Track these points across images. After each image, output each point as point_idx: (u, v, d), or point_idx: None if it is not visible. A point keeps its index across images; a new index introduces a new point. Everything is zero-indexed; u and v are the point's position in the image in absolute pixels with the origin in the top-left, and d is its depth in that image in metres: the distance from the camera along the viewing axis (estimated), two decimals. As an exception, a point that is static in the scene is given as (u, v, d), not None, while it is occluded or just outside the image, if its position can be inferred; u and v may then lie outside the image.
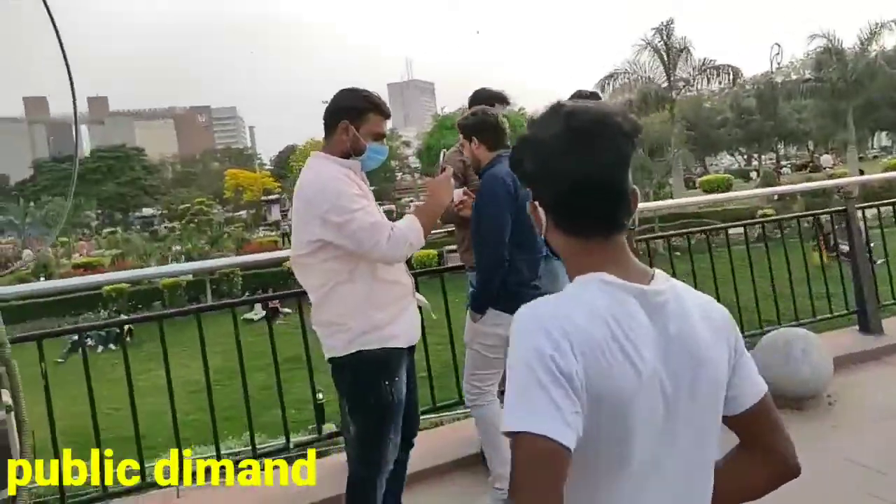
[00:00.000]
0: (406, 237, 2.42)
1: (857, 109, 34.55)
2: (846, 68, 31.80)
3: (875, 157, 52.58)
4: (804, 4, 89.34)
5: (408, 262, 2.66)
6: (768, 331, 4.37)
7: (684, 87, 31.48)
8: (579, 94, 3.38)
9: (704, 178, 35.02)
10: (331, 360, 2.51)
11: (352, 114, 2.49)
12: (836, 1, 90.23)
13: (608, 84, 31.80)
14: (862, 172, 27.67)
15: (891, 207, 6.30)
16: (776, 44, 49.42)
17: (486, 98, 3.65)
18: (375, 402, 2.46)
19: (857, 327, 5.00)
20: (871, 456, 3.30)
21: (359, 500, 2.54)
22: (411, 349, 2.63)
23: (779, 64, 41.92)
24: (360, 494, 2.54)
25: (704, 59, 31.09)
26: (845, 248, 8.79)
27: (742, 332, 1.22)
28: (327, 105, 2.58)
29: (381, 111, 2.57)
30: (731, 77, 30.76)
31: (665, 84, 31.30)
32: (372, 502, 2.51)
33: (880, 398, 4.01)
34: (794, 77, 43.57)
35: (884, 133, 58.85)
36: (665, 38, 30.58)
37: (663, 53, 30.87)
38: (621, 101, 31.90)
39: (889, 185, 18.46)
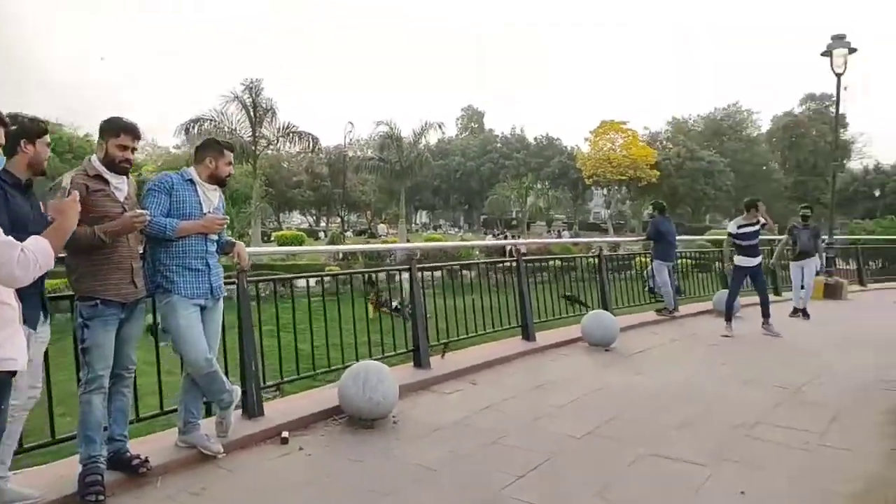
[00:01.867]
0: (36, 258, 2.36)
1: (407, 190, 41.29)
2: (402, 154, 38.05)
3: (416, 230, 62.93)
4: (369, 97, 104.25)
5: None
6: (349, 365, 5.18)
7: (267, 145, 33.17)
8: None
9: (280, 232, 37.02)
10: None
11: None
12: (395, 98, 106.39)
13: (192, 127, 31.54)
14: (409, 241, 33.11)
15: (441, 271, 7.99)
16: (350, 122, 56.00)
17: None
18: None
19: (411, 363, 6.22)
20: (427, 459, 4.26)
21: None
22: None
23: (350, 140, 47.63)
24: None
25: (288, 123, 33.40)
26: (395, 303, 10.46)
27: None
28: None
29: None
30: (311, 144, 33.72)
31: (250, 139, 32.44)
32: None
33: (429, 417, 5.13)
34: (360, 154, 49.91)
35: (423, 211, 71.19)
36: (253, 95, 31.93)
37: (250, 110, 32.10)
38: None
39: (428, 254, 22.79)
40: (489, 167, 59.78)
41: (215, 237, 4.08)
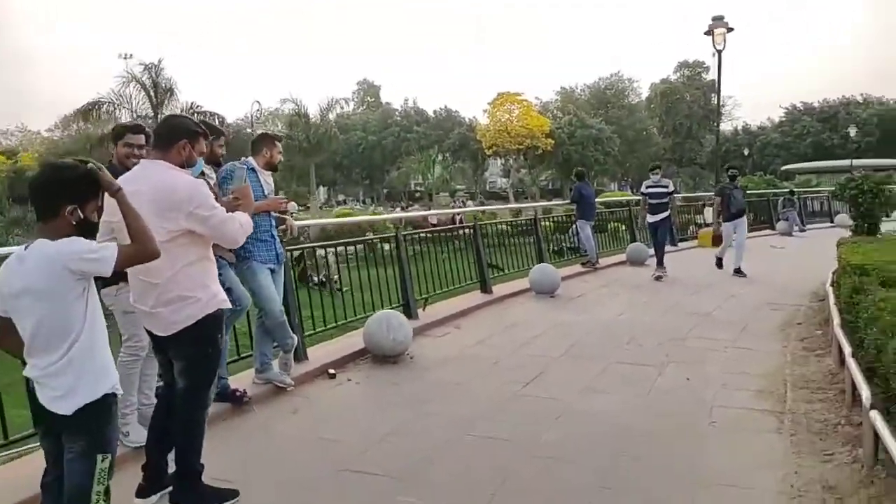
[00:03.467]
0: (244, 228, 3.30)
1: (317, 167, 41.48)
2: (311, 132, 38.19)
3: (320, 206, 62.80)
4: (272, 71, 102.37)
5: None
6: (369, 314, 6.25)
7: (171, 126, 32.31)
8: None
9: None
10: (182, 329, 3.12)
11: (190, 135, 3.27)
12: (300, 76, 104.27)
13: (92, 110, 30.42)
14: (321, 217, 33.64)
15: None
16: (257, 101, 54.88)
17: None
18: (213, 351, 3.26)
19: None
20: (450, 378, 5.45)
21: (200, 433, 3.27)
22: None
23: (258, 118, 46.78)
24: (200, 429, 3.27)
25: (192, 104, 32.76)
26: (318, 277, 11.20)
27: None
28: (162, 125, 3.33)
29: (207, 134, 3.43)
30: (219, 123, 33.18)
31: (152, 120, 31.60)
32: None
33: (435, 353, 6.30)
34: (264, 128, 49.21)
35: (322, 187, 70.88)
36: (153, 76, 31.07)
37: (150, 91, 31.25)
38: (107, 129, 30.85)
39: (341, 230, 23.41)
40: (391, 141, 60.50)
41: (276, 214, 5.01)
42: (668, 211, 10.78)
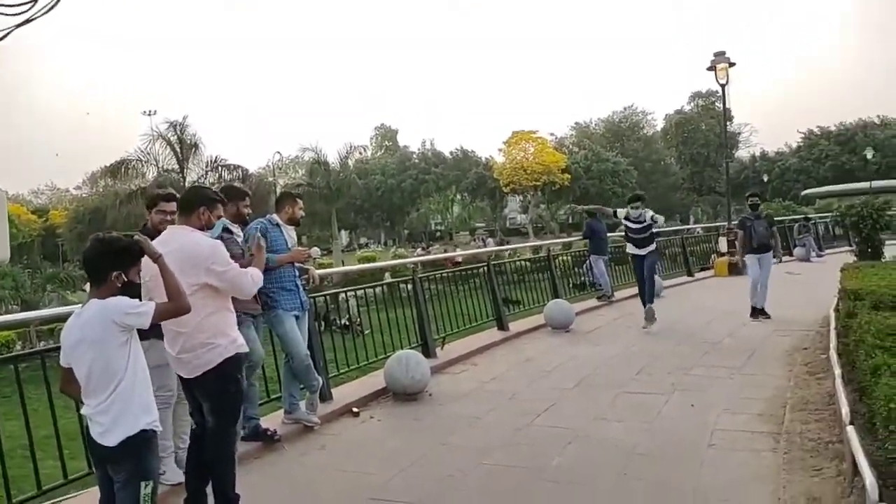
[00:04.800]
0: (255, 280, 3.75)
1: (338, 211, 42.39)
2: (330, 178, 39.21)
3: (343, 250, 63.73)
4: (291, 120, 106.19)
5: None
6: (389, 354, 6.63)
7: (196, 180, 33.53)
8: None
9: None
10: (205, 372, 3.56)
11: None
12: (318, 122, 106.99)
13: (120, 168, 31.69)
14: (343, 262, 34.34)
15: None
16: (278, 152, 56.39)
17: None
18: (236, 390, 3.66)
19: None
20: (469, 412, 5.77)
21: (232, 465, 3.65)
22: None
23: (279, 167, 48.03)
24: (231, 461, 3.65)
25: (216, 157, 33.94)
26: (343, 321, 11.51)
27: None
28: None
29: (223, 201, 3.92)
30: (242, 175, 34.32)
31: (178, 175, 32.75)
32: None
33: (452, 388, 6.64)
34: (287, 181, 50.51)
35: (343, 231, 71.93)
36: (179, 133, 32.33)
37: (176, 147, 32.47)
38: (134, 185, 32.11)
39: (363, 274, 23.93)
40: (410, 183, 61.55)
41: (300, 264, 5.45)
42: (654, 244, 9.46)
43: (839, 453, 4.05)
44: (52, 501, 4.18)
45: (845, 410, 3.75)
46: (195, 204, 3.74)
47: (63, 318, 3.24)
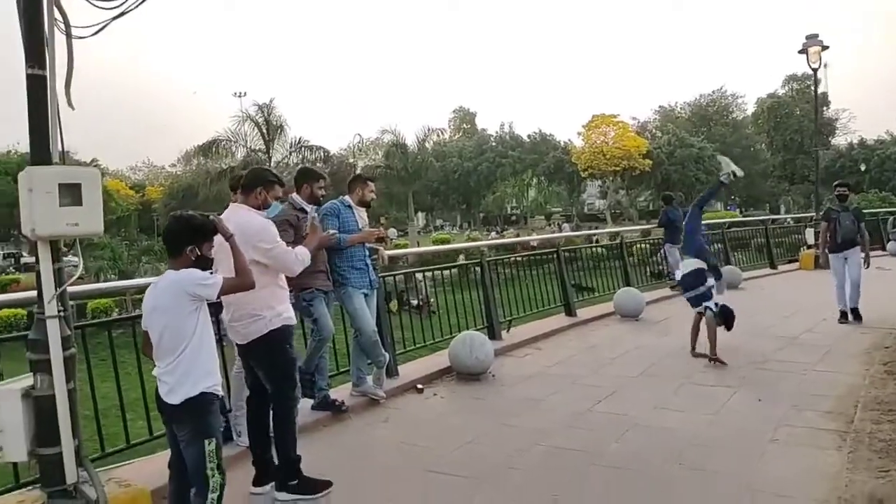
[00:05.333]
0: (301, 258, 3.92)
1: (414, 193, 43.01)
2: (408, 161, 39.78)
3: (419, 232, 64.54)
4: (372, 102, 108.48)
5: None
6: (455, 335, 6.79)
7: (281, 160, 34.74)
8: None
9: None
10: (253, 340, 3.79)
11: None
12: (398, 105, 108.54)
13: (212, 147, 33.20)
14: (418, 244, 34.86)
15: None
16: (358, 134, 57.68)
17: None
18: (284, 360, 3.86)
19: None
20: (530, 395, 5.87)
21: (291, 428, 3.89)
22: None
23: (360, 148, 49.14)
24: (290, 424, 3.89)
25: (300, 138, 35.04)
26: (414, 301, 11.82)
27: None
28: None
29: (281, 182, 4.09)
30: (323, 156, 35.35)
31: (264, 154, 34.02)
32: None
33: (516, 371, 6.74)
34: (367, 162, 51.55)
35: (420, 213, 72.80)
36: (266, 114, 33.50)
37: (263, 129, 33.68)
38: (224, 164, 33.60)
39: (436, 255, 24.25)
40: (486, 166, 61.52)
41: (370, 244, 5.67)
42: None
43: (910, 456, 3.92)
44: (131, 461, 4.53)
45: (917, 412, 3.62)
46: (254, 184, 3.94)
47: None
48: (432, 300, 9.77)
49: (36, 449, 3.07)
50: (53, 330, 3.07)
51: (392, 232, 53.75)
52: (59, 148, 3.18)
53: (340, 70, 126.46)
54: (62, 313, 3.13)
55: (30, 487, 3.25)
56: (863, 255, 8.71)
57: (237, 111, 34.15)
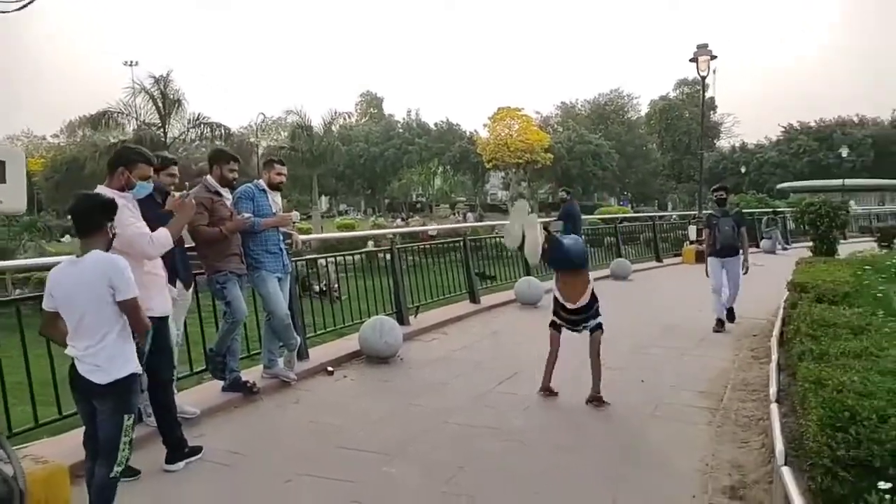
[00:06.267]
0: (159, 242, 3.79)
1: (319, 177, 42.37)
2: (313, 144, 39.14)
3: (322, 216, 63.68)
4: (277, 82, 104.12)
5: None
6: (364, 319, 6.97)
7: (178, 136, 33.27)
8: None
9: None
10: None
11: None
12: (303, 86, 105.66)
13: (102, 119, 31.29)
14: (322, 228, 34.62)
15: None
16: (262, 113, 55.81)
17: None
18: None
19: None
20: (435, 377, 6.16)
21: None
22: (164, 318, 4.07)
23: (262, 128, 47.76)
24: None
25: (199, 114, 33.64)
26: (316, 288, 11.80)
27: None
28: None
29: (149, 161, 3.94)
30: (224, 133, 34.09)
31: (158, 129, 32.45)
32: None
33: (423, 355, 7.03)
34: (270, 143, 50.21)
35: (324, 197, 71.82)
36: (162, 87, 31.91)
37: (159, 101, 32.09)
38: (114, 138, 31.84)
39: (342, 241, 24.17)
40: (393, 152, 61.43)
41: (284, 229, 5.74)
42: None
43: (766, 429, 4.50)
44: (42, 440, 4.46)
45: (773, 390, 4.19)
46: (115, 163, 3.77)
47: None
48: (337, 286, 9.83)
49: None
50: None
51: (295, 215, 52.55)
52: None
53: (244, 47, 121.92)
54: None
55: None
56: (743, 259, 8.73)
57: (129, 81, 32.32)
